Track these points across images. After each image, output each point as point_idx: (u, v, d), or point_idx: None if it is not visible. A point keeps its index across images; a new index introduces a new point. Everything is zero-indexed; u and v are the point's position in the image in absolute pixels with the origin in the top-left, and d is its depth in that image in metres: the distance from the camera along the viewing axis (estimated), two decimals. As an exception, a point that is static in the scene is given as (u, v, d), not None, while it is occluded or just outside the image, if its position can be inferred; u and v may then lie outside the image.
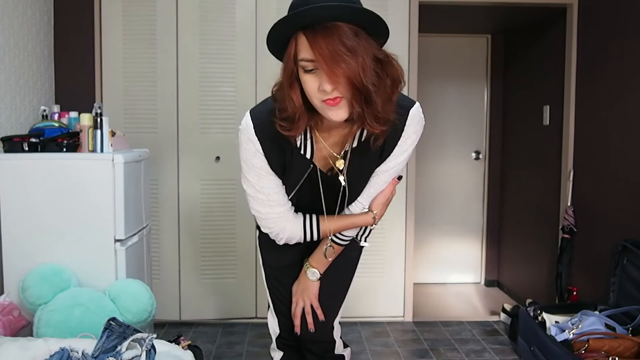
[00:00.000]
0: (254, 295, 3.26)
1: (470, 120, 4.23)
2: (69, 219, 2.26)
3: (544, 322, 2.60)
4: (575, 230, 3.14)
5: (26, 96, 2.71)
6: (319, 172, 1.35)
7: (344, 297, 1.63)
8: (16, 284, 2.21)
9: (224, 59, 3.14)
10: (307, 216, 1.42)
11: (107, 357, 1.59)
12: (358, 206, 1.42)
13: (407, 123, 1.30)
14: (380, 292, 3.34)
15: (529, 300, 3.35)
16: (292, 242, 1.42)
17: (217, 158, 3.17)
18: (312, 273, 1.50)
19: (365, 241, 1.54)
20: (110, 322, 1.66)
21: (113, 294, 2.18)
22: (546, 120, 3.48)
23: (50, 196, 2.25)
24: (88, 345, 1.71)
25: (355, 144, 1.31)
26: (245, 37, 3.12)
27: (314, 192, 1.37)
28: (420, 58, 3.29)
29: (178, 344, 2.25)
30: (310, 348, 1.61)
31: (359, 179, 1.38)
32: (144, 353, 1.55)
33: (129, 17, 3.10)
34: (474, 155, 4.26)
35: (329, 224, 1.41)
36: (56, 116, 2.63)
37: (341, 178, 1.33)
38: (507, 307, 3.37)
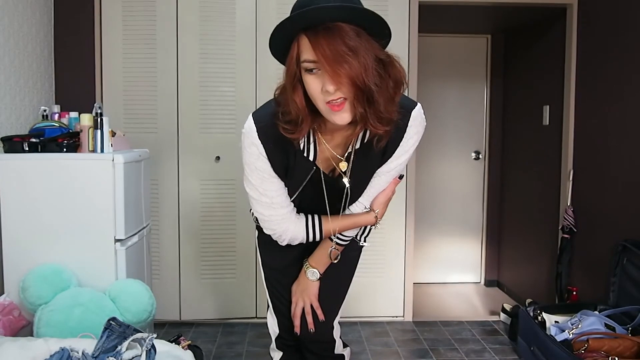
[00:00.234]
0: (254, 295, 3.26)
1: (470, 120, 4.24)
2: (69, 219, 2.27)
3: (543, 322, 2.61)
4: (575, 230, 3.14)
5: (26, 96, 2.71)
6: (322, 174, 1.35)
7: (344, 297, 1.63)
8: (16, 284, 2.21)
9: (224, 59, 3.14)
10: (310, 217, 1.42)
11: (107, 357, 1.59)
12: (359, 206, 1.42)
13: (409, 124, 1.31)
14: (380, 292, 3.34)
15: (528, 300, 3.35)
16: (295, 242, 1.43)
17: (217, 158, 3.17)
18: (312, 273, 1.50)
19: (365, 241, 1.55)
20: (111, 322, 1.66)
21: (113, 294, 2.18)
22: (546, 120, 3.48)
23: (50, 196, 2.25)
24: (88, 345, 1.71)
25: (358, 146, 1.31)
26: (245, 37, 3.12)
27: (316, 193, 1.38)
28: (420, 58, 3.29)
29: (178, 344, 2.25)
30: (310, 348, 1.61)
31: (361, 180, 1.39)
32: (144, 353, 1.56)
33: (129, 17, 3.10)
34: (473, 155, 4.26)
35: (331, 224, 1.41)
36: (56, 116, 2.63)
37: (345, 180, 1.34)
38: (507, 307, 3.37)
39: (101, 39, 3.11)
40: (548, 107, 3.46)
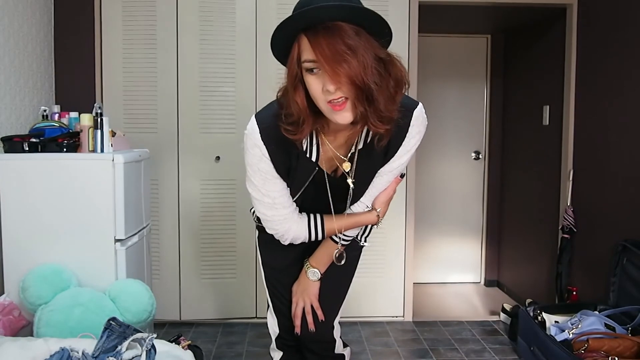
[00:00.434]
0: (254, 295, 3.26)
1: (470, 120, 4.24)
2: (69, 219, 2.27)
3: (543, 322, 2.61)
4: (575, 230, 3.14)
5: (26, 96, 2.71)
6: (324, 174, 1.35)
7: (344, 296, 1.63)
8: (16, 284, 2.21)
9: (224, 59, 3.14)
10: (312, 216, 1.42)
11: (107, 357, 1.59)
12: (361, 206, 1.43)
13: (411, 123, 1.31)
14: (380, 292, 3.34)
15: (528, 300, 3.35)
16: (297, 242, 1.43)
17: (217, 158, 3.17)
18: (313, 273, 1.50)
19: (365, 241, 1.55)
20: (111, 322, 1.66)
21: (113, 294, 2.18)
22: (546, 120, 3.48)
23: (50, 196, 2.25)
24: (88, 345, 1.71)
25: (360, 146, 1.31)
26: (245, 37, 3.12)
27: (318, 193, 1.38)
28: (420, 58, 3.29)
29: (178, 343, 2.25)
30: (311, 348, 1.61)
31: (364, 180, 1.39)
32: (144, 353, 1.56)
33: (129, 17, 3.10)
34: (473, 155, 4.26)
35: (333, 223, 1.41)
36: (56, 116, 2.63)
37: (349, 180, 1.34)
38: (507, 307, 3.37)
39: (101, 39, 3.11)
40: (548, 107, 3.46)
